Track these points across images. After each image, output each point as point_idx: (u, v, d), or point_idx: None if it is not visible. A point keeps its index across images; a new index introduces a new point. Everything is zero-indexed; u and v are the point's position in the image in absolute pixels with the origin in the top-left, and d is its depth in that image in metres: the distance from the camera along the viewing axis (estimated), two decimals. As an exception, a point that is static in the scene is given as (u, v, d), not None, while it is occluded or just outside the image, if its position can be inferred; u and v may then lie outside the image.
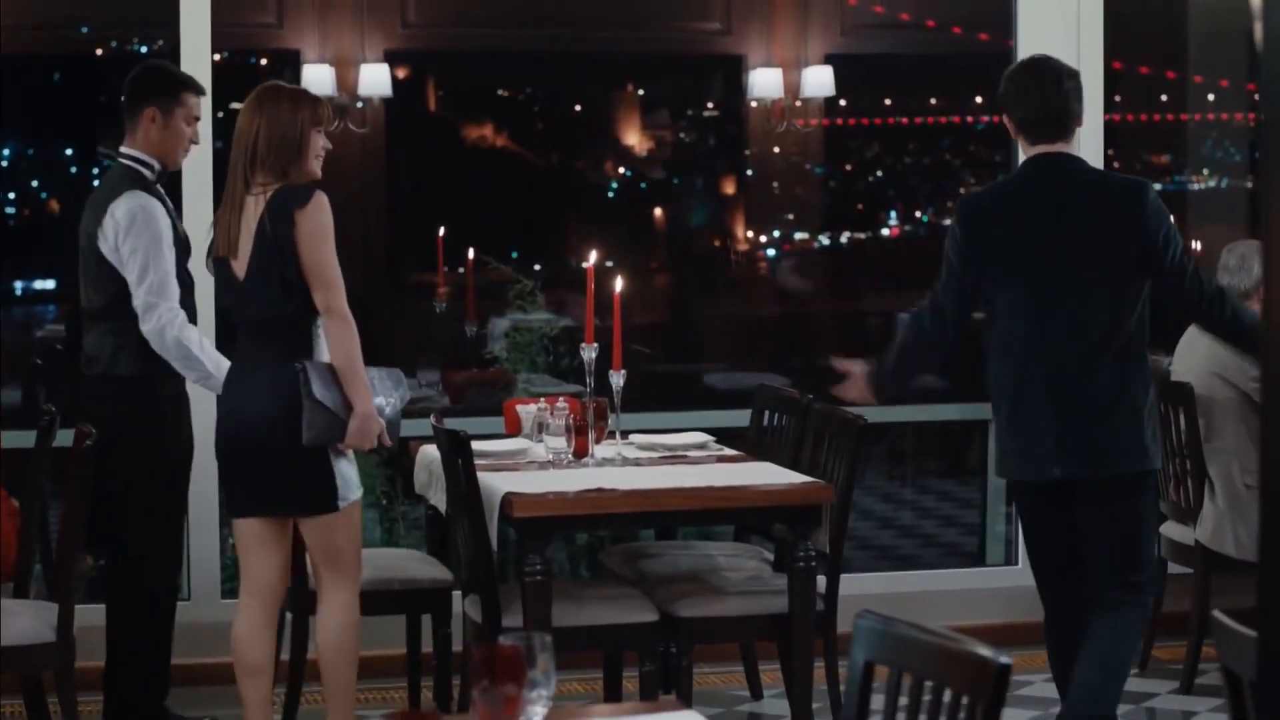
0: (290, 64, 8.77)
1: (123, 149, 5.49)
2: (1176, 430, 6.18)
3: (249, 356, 4.96)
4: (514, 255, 8.34)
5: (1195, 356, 6.22)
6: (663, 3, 9.88)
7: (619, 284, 5.54)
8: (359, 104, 8.54)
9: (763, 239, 10.41)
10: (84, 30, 9.04)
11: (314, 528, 4.96)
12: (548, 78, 10.25)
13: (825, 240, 10.48)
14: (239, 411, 4.92)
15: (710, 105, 10.28)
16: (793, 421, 5.79)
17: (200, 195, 6.29)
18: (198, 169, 6.26)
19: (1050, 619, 5.28)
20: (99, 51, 9.30)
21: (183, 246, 5.47)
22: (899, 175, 10.87)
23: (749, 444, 6.01)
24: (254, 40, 9.15)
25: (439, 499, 5.51)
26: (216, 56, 6.23)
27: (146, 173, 5.46)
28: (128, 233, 5.31)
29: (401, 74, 9.12)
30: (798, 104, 9.03)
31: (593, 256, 5.60)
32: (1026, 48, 6.70)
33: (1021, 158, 5.27)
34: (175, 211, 5.55)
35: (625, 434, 5.69)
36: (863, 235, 10.57)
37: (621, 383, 5.52)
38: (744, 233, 10.40)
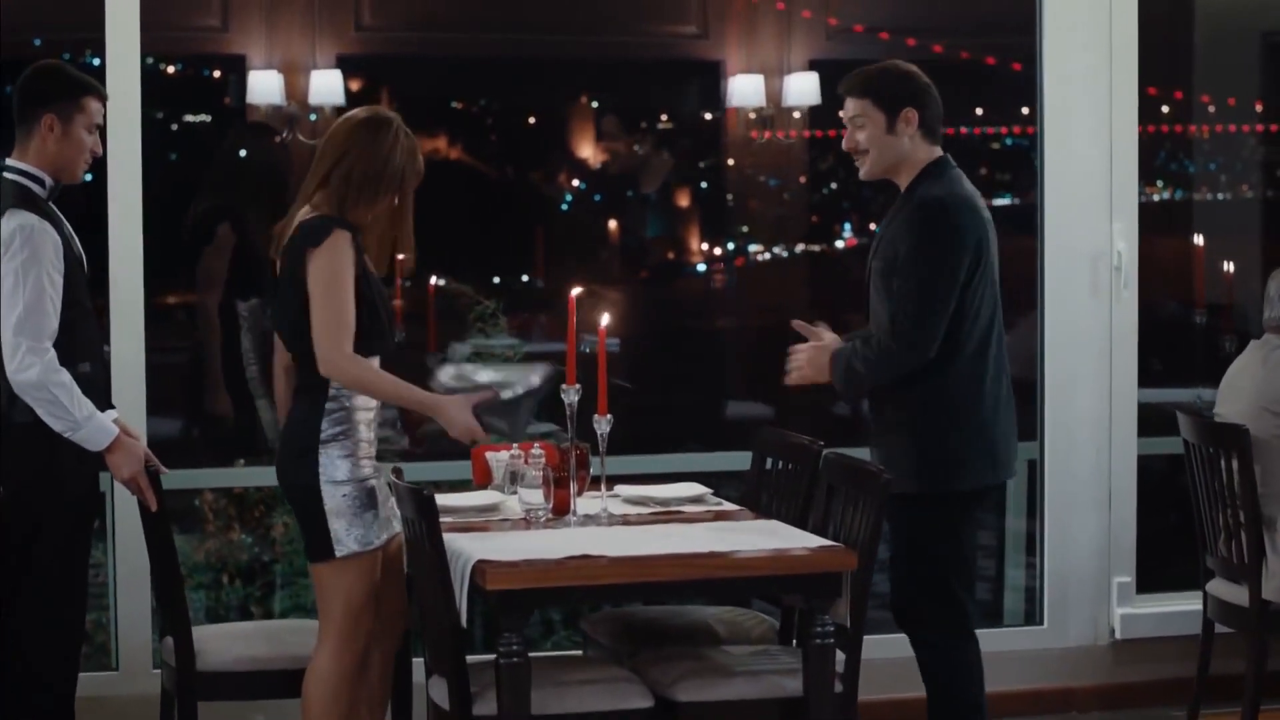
0: (235, 70, 8.20)
1: (9, 161, 4.80)
2: (1227, 477, 5.53)
3: None
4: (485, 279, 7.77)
5: (1241, 394, 5.62)
6: (634, 6, 9.31)
7: (604, 318, 4.85)
8: (312, 116, 7.99)
9: (721, 249, 9.86)
10: (37, 43, 8.52)
11: (312, 572, 4.74)
12: (509, 85, 9.67)
13: (782, 251, 9.99)
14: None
15: (664, 118, 9.78)
16: (801, 470, 5.10)
17: (128, 212, 5.73)
18: (126, 183, 5.70)
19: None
20: (52, 65, 8.80)
21: (76, 267, 4.79)
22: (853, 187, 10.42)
23: (748, 494, 5.35)
24: (195, 45, 8.48)
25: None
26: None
27: (36, 188, 4.77)
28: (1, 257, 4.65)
29: (355, 86, 8.55)
30: (751, 116, 8.69)
31: (576, 289, 4.90)
32: (1053, 56, 6.30)
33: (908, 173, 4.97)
34: (72, 231, 4.86)
35: (611, 483, 5.01)
36: (817, 248, 10.14)
37: (608, 429, 4.84)
38: (710, 247, 9.84)
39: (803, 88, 8.64)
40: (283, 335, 4.79)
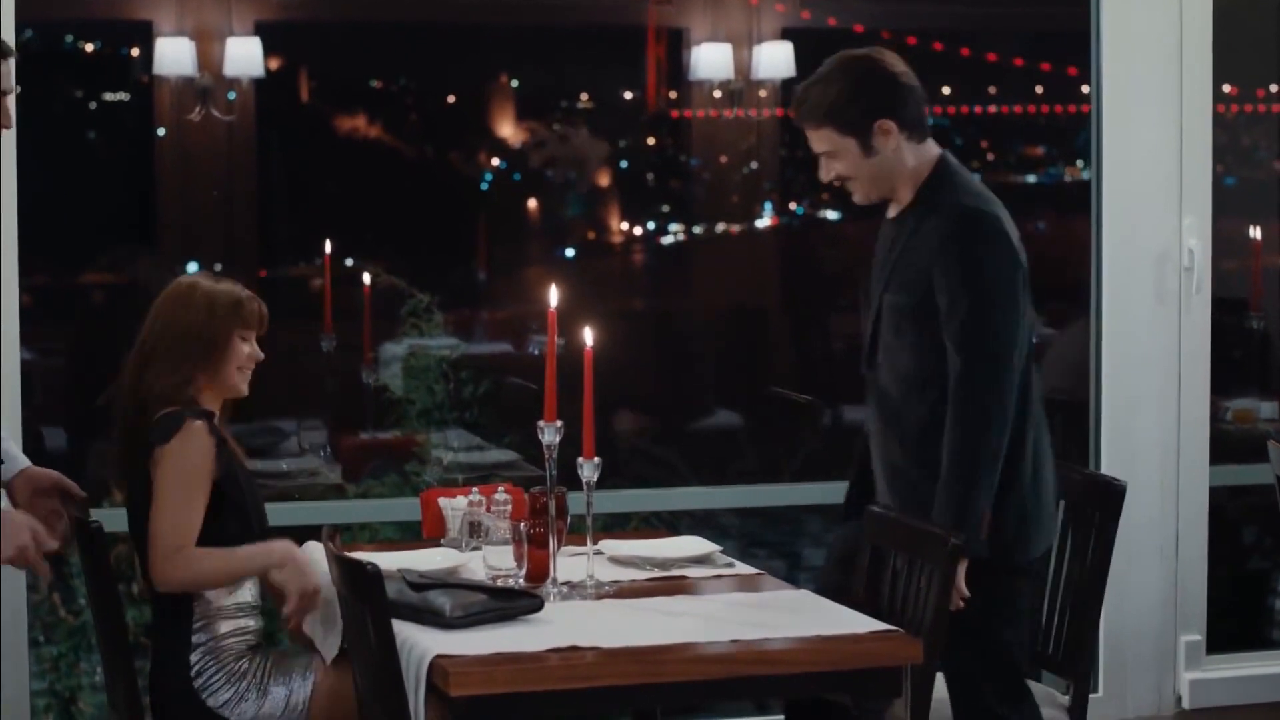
0: (141, 39, 7.65)
1: None
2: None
3: None
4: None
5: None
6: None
7: (589, 337, 3.90)
8: (230, 95, 7.59)
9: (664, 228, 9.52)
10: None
11: None
12: (447, 54, 9.14)
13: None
14: None
15: (585, 97, 9.47)
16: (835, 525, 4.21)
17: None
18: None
19: None
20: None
21: None
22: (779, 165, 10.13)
23: (767, 551, 4.48)
24: (95, 9, 8.03)
25: (330, 640, 3.99)
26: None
27: None
28: None
29: (273, 65, 8.09)
30: (677, 94, 8.44)
31: (554, 297, 3.96)
32: (1113, 16, 5.69)
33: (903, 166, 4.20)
34: None
35: (596, 535, 4.11)
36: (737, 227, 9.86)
37: (594, 475, 3.94)
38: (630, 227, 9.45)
39: (774, 59, 8.30)
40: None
